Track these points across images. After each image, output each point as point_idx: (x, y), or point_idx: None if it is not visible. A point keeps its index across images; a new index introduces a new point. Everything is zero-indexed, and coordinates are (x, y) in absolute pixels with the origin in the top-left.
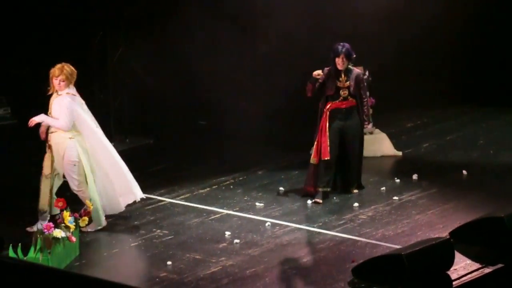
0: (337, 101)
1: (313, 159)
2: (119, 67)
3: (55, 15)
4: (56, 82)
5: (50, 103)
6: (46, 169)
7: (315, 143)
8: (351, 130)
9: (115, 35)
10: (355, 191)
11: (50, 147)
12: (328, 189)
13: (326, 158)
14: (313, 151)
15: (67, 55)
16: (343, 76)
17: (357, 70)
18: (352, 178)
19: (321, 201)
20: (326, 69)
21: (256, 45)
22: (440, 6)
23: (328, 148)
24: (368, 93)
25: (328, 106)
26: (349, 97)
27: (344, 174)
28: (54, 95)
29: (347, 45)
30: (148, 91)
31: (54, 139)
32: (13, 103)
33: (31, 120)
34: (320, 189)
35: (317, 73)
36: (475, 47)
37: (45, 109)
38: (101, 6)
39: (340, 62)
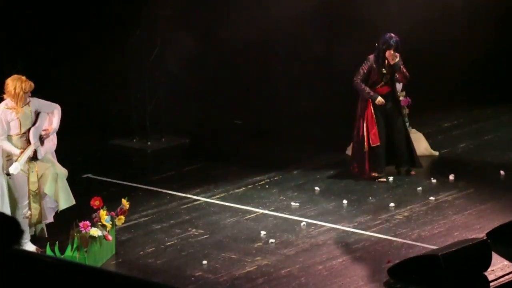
0: (378, 86)
1: (365, 146)
2: (156, 66)
3: (90, 14)
4: (26, 96)
5: (18, 117)
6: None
7: (361, 130)
8: (395, 111)
9: (151, 33)
10: (413, 173)
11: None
12: (384, 179)
13: (376, 144)
14: (362, 138)
15: (103, 54)
16: (386, 63)
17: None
18: (409, 156)
19: (385, 179)
20: (371, 57)
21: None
22: (473, 6)
23: (378, 134)
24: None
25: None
26: (389, 82)
27: (401, 154)
28: (18, 108)
29: (396, 37)
30: (184, 90)
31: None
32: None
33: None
34: (379, 179)
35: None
36: None
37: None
38: (137, 4)
39: (390, 56)
